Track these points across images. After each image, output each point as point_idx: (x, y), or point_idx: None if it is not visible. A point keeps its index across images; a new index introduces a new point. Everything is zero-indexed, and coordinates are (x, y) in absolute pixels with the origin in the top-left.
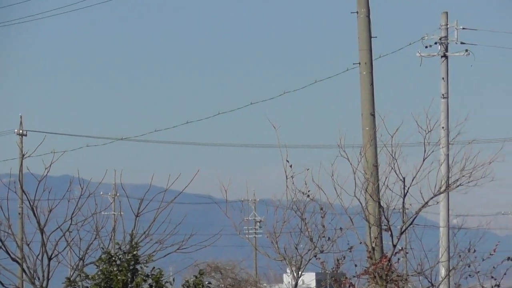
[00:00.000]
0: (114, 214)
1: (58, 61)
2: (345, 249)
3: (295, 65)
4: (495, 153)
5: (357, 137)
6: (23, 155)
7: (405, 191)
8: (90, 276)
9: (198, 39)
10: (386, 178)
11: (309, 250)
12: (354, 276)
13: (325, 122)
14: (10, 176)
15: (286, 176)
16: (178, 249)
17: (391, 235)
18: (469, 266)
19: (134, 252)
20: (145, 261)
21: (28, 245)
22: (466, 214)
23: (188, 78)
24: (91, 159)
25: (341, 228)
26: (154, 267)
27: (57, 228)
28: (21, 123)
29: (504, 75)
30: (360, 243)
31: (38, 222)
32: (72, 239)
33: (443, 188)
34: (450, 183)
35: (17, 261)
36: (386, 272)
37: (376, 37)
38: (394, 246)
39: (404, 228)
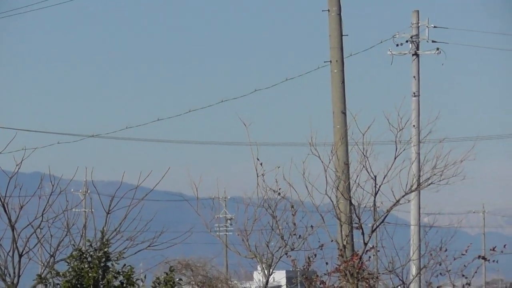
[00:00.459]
0: (85, 211)
1: (29, 57)
2: (316, 247)
3: (267, 63)
4: (467, 151)
5: (328, 135)
6: None
7: (376, 189)
8: (61, 273)
9: (170, 37)
10: (357, 176)
11: (280, 247)
12: (325, 274)
13: (297, 120)
14: None
15: (257, 174)
16: (149, 246)
17: (362, 233)
18: (440, 265)
19: (105, 249)
20: (116, 258)
21: None
22: (437, 213)
23: (159, 75)
24: (62, 156)
25: (312, 226)
26: (125, 264)
27: (28, 225)
28: None
29: (475, 73)
30: (331, 241)
31: (9, 219)
32: (43, 236)
33: (415, 186)
34: (421, 181)
35: None
36: (357, 270)
37: (347, 35)
38: (365, 244)
39: (375, 226)
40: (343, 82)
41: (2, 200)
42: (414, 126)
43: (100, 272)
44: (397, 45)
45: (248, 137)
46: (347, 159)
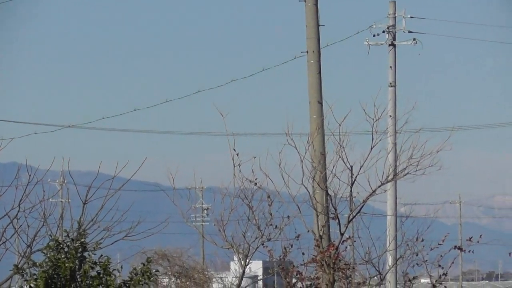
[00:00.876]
0: (62, 201)
1: (6, 46)
2: (293, 237)
3: (244, 53)
4: (443, 141)
5: (304, 125)
6: None
7: (353, 180)
8: (37, 263)
9: (146, 26)
10: (333, 166)
11: (256, 238)
12: (301, 264)
13: (273, 110)
14: None
15: (234, 164)
16: (125, 236)
17: (339, 224)
18: (416, 255)
19: (82, 240)
20: (92, 249)
21: None
22: (414, 203)
23: (135, 65)
24: (39, 146)
25: (288, 216)
26: (101, 255)
27: (4, 215)
28: None
29: (452, 64)
30: (308, 231)
31: None
32: (20, 226)
33: (391, 176)
34: (397, 171)
35: None
36: (333, 261)
37: (324, 25)
38: (342, 234)
39: (351, 216)
40: (319, 72)
41: None
42: (390, 116)
43: (76, 262)
44: (374, 35)
45: (225, 127)
46: (323, 149)
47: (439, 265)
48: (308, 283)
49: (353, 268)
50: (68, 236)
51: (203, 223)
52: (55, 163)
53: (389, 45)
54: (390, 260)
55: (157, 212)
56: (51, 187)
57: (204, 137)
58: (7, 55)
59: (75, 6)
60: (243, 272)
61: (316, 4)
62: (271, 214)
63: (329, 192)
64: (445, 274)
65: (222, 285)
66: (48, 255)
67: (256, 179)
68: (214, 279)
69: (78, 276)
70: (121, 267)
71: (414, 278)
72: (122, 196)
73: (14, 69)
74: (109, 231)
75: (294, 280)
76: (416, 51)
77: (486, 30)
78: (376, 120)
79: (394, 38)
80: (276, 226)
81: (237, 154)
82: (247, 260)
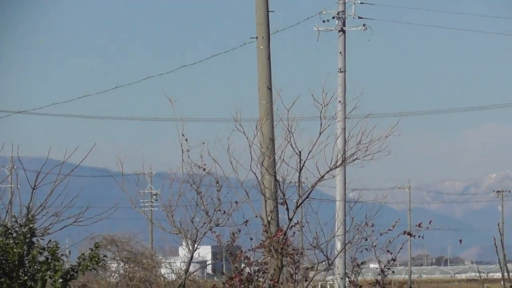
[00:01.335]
0: (11, 186)
1: None
2: (241, 222)
3: (194, 39)
4: (392, 127)
5: (253, 111)
6: None
7: (301, 165)
8: None
9: (95, 12)
10: (282, 152)
11: (204, 223)
12: (249, 250)
13: (223, 96)
14: None
15: (182, 150)
16: (74, 222)
17: (287, 209)
18: (365, 240)
19: (31, 225)
20: (41, 234)
21: None
22: (363, 188)
23: (85, 51)
24: None
25: (236, 202)
26: (50, 240)
27: None
28: None
29: (400, 49)
30: (256, 216)
31: None
32: None
33: (339, 162)
34: (346, 157)
35: None
36: (281, 246)
37: (273, 11)
38: (290, 219)
39: (300, 201)
40: (269, 58)
41: None
42: (339, 101)
43: (25, 248)
44: (324, 21)
45: (173, 113)
46: (272, 134)
47: (388, 251)
48: (256, 268)
49: (301, 253)
50: (16, 221)
51: (152, 209)
52: (4, 149)
53: (339, 31)
54: (338, 245)
55: (106, 198)
56: (1, 173)
57: (153, 123)
58: None
59: None
60: (191, 257)
61: None
62: (219, 200)
63: (278, 177)
64: (394, 260)
65: (170, 270)
66: None
67: (204, 164)
68: (162, 264)
69: (26, 262)
70: (70, 253)
71: (362, 263)
72: (71, 181)
73: None
74: (58, 217)
75: (242, 265)
76: (365, 37)
77: (434, 15)
78: (325, 105)
79: (344, 24)
80: (224, 212)
81: (186, 140)
82: (195, 246)
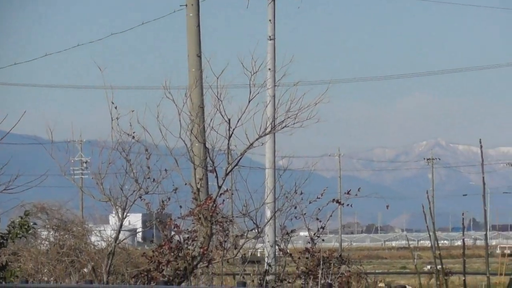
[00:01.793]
0: None
1: None
2: (170, 190)
3: (124, 6)
4: (321, 94)
5: (183, 78)
6: None
7: (231, 133)
8: None
9: None
10: (211, 119)
11: (134, 191)
12: (179, 217)
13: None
14: None
15: (112, 118)
16: (4, 189)
17: (216, 176)
18: (295, 208)
19: None
20: None
21: None
22: (292, 156)
23: (15, 18)
24: None
25: (166, 170)
26: None
27: None
28: None
29: (332, 17)
30: (185, 184)
31: None
32: None
33: (269, 129)
34: (275, 124)
35: None
36: (211, 214)
37: None
38: (219, 187)
39: (229, 169)
40: (198, 25)
41: None
42: (269, 69)
43: None
44: None
45: (103, 81)
46: (201, 102)
47: (318, 219)
48: (186, 236)
49: (231, 221)
50: None
51: (82, 176)
52: None
53: None
54: (268, 213)
55: (36, 166)
56: None
57: (83, 91)
58: None
59: None
60: (121, 225)
61: None
62: (148, 167)
63: (207, 145)
64: (324, 227)
65: (100, 238)
66: None
67: (134, 132)
68: (93, 232)
69: None
70: (0, 220)
71: (292, 231)
72: (1, 149)
73: None
74: None
75: (171, 233)
76: (295, 4)
77: None
78: (254, 73)
79: None
80: (153, 179)
81: (116, 108)
82: (125, 213)
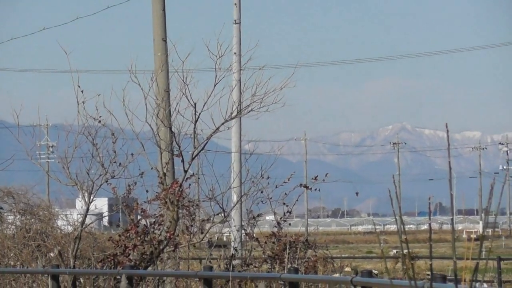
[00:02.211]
0: None
1: None
2: (137, 174)
3: None
4: (287, 78)
5: (149, 62)
6: None
7: (197, 117)
8: None
9: None
10: (177, 103)
11: (100, 175)
12: (145, 202)
13: (118, 47)
14: None
15: (78, 102)
16: None
17: (182, 161)
18: (261, 192)
19: None
20: None
21: None
22: (258, 140)
23: None
24: None
25: (132, 154)
26: None
27: None
28: None
29: (297, 1)
30: (152, 168)
31: None
32: None
33: (235, 113)
34: (241, 108)
35: None
36: (177, 198)
37: None
38: (186, 171)
39: (195, 153)
40: (163, 9)
41: None
42: (234, 53)
43: None
44: None
45: (69, 65)
46: (167, 86)
47: (284, 203)
48: (152, 220)
49: (197, 205)
50: None
51: (48, 161)
52: None
53: None
54: (234, 197)
55: (2, 150)
56: None
57: (49, 75)
58: None
59: None
60: (87, 209)
61: None
62: (115, 152)
63: (173, 129)
64: (290, 212)
65: (67, 222)
66: None
67: (100, 116)
68: (59, 216)
69: None
70: None
71: (258, 215)
72: None
73: None
74: None
75: (138, 217)
76: None
77: None
78: (220, 57)
79: None
80: (120, 164)
81: (82, 91)
82: (91, 197)
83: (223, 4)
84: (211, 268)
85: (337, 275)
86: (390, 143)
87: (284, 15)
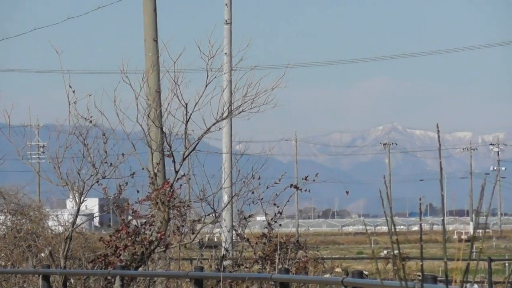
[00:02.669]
0: None
1: None
2: (128, 175)
3: None
4: (278, 79)
5: (140, 63)
6: None
7: (188, 117)
8: None
9: None
10: (168, 104)
11: (91, 175)
12: (136, 202)
13: (109, 48)
14: None
15: (69, 102)
16: None
17: (174, 161)
18: (252, 193)
19: None
20: None
21: None
22: (249, 140)
23: None
24: None
25: (123, 154)
26: None
27: None
28: None
29: (289, 1)
30: (143, 169)
31: None
32: None
33: (226, 114)
34: (232, 109)
35: None
36: (168, 198)
37: None
38: (177, 172)
39: (186, 154)
40: (155, 10)
41: None
42: (226, 53)
43: None
44: None
45: (60, 65)
46: (158, 86)
47: (275, 204)
48: (143, 220)
49: (188, 205)
50: None
51: (39, 161)
52: None
53: None
54: (225, 197)
55: None
56: None
57: (41, 75)
58: None
59: None
60: (78, 209)
61: None
62: (106, 152)
63: (164, 129)
64: (281, 213)
65: (58, 223)
66: None
67: (91, 116)
68: (50, 217)
69: None
70: None
71: (249, 216)
72: None
73: None
74: None
75: (129, 218)
76: None
77: None
78: (211, 57)
79: None
80: (111, 164)
81: (73, 92)
82: (82, 198)
83: (215, 5)
84: (202, 269)
85: (327, 275)
86: (380, 143)
87: (276, 15)
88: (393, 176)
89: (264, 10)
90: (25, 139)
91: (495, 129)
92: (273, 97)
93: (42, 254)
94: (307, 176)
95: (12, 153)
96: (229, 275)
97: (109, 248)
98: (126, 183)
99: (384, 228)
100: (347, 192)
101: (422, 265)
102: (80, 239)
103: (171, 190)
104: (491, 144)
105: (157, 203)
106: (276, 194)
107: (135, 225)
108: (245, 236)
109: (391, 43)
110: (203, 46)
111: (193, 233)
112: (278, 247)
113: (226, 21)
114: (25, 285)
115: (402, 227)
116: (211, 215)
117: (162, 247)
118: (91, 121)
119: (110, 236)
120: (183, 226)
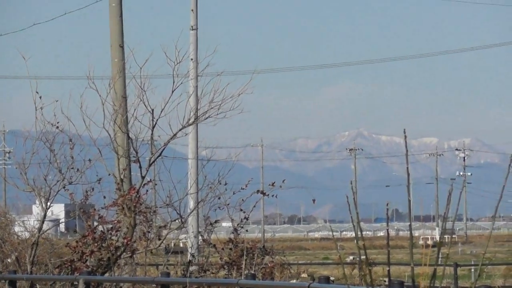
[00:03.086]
0: None
1: None
2: (94, 180)
3: None
4: (244, 85)
5: (106, 68)
6: None
7: (154, 123)
8: None
9: None
10: (135, 109)
11: (58, 181)
12: (102, 208)
13: (76, 54)
14: None
15: (36, 107)
16: None
17: (140, 167)
18: (218, 198)
19: None
20: None
21: None
22: (216, 146)
23: None
24: None
25: (89, 160)
26: None
27: None
28: None
29: (255, 6)
30: (109, 174)
31: None
32: None
33: (192, 120)
34: (198, 115)
35: None
36: (134, 204)
37: None
38: (143, 177)
39: (152, 159)
40: (121, 16)
41: None
42: (192, 59)
43: None
44: None
45: (27, 71)
46: (124, 92)
47: (241, 209)
48: (109, 226)
49: (154, 211)
50: None
51: (5, 166)
52: None
53: None
54: (191, 203)
55: None
56: None
57: (6, 80)
58: None
59: None
60: (45, 215)
61: None
62: (72, 158)
63: (130, 135)
64: (247, 218)
65: (24, 229)
66: None
67: (58, 122)
68: (16, 223)
69: None
70: None
71: (216, 221)
72: None
73: None
74: None
75: (95, 223)
76: None
77: None
78: (178, 63)
79: None
80: (77, 169)
81: (40, 97)
82: (48, 203)
83: (181, 10)
84: (168, 274)
85: (294, 281)
86: (346, 149)
87: (242, 21)
88: (359, 181)
89: (231, 17)
90: None
91: (461, 135)
92: (240, 103)
93: (9, 260)
94: (274, 182)
95: None
96: (195, 280)
97: (75, 253)
98: (93, 189)
99: (350, 234)
100: (313, 200)
101: (389, 271)
102: (46, 245)
103: (137, 195)
104: (457, 150)
105: (123, 208)
106: (243, 200)
107: (102, 231)
108: (211, 241)
109: (357, 48)
110: (170, 52)
111: (159, 239)
112: (245, 253)
113: (192, 27)
114: None
115: (368, 232)
116: (177, 220)
117: (128, 252)
118: (57, 127)
119: (77, 242)
120: (149, 231)
